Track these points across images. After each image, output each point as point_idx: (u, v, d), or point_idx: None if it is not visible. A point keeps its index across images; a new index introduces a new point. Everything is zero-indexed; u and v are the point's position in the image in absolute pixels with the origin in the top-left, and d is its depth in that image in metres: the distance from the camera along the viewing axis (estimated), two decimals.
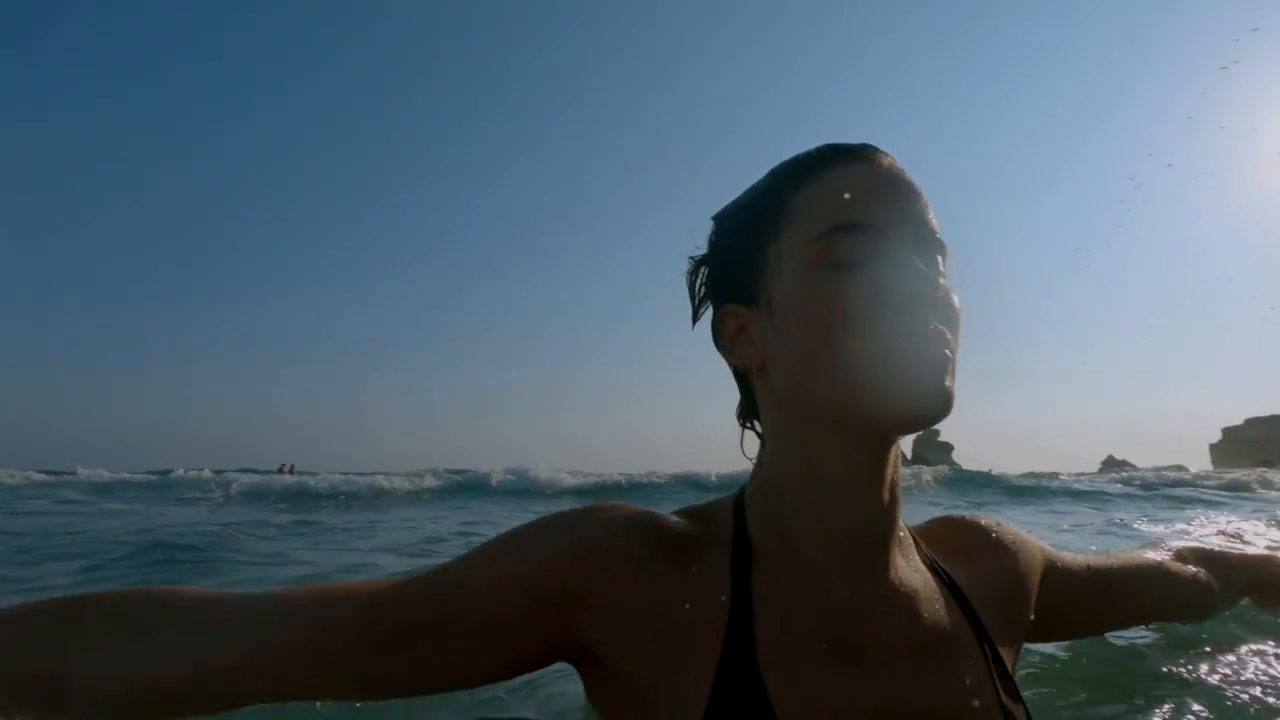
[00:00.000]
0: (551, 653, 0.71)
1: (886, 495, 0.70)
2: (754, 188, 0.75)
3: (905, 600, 0.71)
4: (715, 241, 0.78)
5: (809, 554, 0.69)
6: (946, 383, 0.64)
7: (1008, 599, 0.81)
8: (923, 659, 0.69)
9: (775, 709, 0.63)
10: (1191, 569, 1.08)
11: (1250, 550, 1.23)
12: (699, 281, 0.79)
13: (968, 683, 0.70)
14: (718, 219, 0.78)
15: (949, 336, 0.65)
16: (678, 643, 0.66)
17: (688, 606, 0.67)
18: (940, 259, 0.69)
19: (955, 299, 0.68)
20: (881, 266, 0.65)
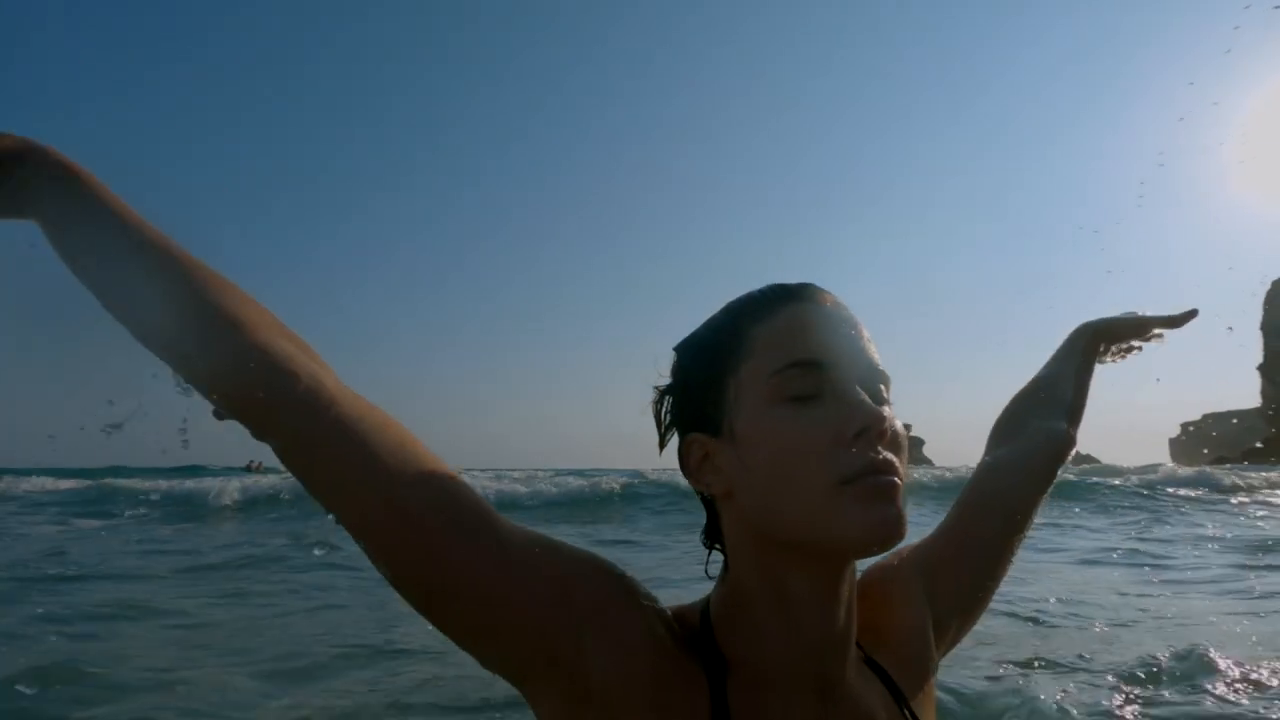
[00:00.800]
0: (539, 650, 0.71)
1: (843, 613, 0.75)
2: (712, 322, 0.81)
3: (858, 713, 0.76)
4: (678, 373, 0.83)
5: (774, 668, 0.74)
6: (898, 508, 0.68)
7: (916, 648, 0.87)
8: None
9: None
10: (1033, 426, 1.10)
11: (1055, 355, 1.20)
12: (664, 410, 0.84)
13: None
14: (679, 350, 0.83)
15: (897, 464, 0.69)
16: (669, 710, 0.70)
17: (678, 681, 0.72)
18: (884, 388, 0.74)
19: (900, 425, 0.72)
20: (832, 400, 0.70)
